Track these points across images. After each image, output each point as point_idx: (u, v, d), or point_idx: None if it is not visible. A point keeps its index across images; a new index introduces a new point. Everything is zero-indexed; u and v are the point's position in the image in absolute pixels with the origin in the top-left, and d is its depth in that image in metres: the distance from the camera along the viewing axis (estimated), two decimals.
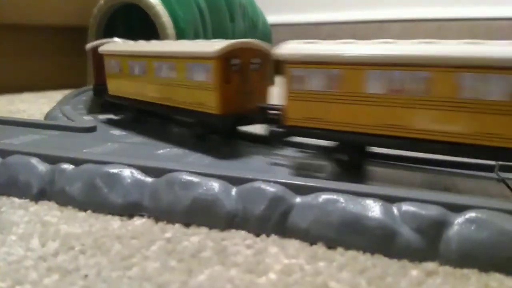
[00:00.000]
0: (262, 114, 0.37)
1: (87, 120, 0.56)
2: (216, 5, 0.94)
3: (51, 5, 1.02)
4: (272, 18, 1.21)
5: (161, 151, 0.40)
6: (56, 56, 1.07)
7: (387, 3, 1.34)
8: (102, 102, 0.60)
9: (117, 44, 0.56)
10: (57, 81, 1.02)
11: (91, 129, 0.49)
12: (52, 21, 1.03)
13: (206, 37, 0.88)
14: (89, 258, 0.25)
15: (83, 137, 0.45)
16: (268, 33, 1.16)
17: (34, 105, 0.81)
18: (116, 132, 0.49)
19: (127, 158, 0.34)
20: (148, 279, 0.23)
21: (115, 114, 0.60)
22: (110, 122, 0.55)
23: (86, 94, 0.78)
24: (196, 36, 0.85)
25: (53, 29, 1.04)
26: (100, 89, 0.59)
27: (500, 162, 0.34)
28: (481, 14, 1.20)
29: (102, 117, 0.59)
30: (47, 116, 0.62)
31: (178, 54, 0.42)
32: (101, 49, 0.54)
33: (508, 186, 0.32)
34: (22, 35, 1.02)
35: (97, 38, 0.79)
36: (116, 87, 0.53)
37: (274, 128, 0.35)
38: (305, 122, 0.33)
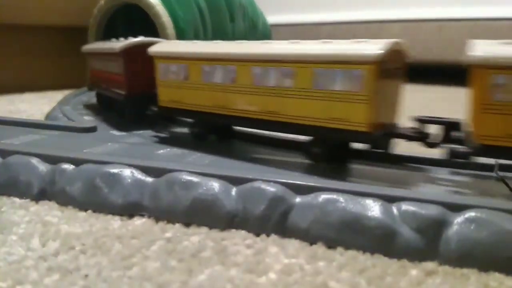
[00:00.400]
0: (416, 130, 0.32)
1: (87, 120, 0.56)
2: (216, 5, 0.94)
3: (51, 5, 1.02)
4: (272, 18, 1.21)
5: (161, 151, 0.40)
6: (56, 56, 1.07)
7: (387, 3, 1.34)
8: (140, 115, 0.48)
9: (180, 44, 0.46)
10: (57, 81, 1.02)
11: (91, 129, 0.49)
12: (52, 21, 1.03)
13: (206, 37, 0.88)
14: (90, 258, 0.25)
15: (84, 137, 0.46)
16: (268, 33, 1.16)
17: (35, 105, 0.81)
18: (116, 132, 0.49)
19: (127, 158, 0.34)
20: (149, 279, 0.23)
21: (157, 130, 0.49)
22: (165, 141, 0.45)
23: (87, 95, 0.78)
24: (196, 36, 0.85)
25: (53, 29, 1.04)
26: (137, 100, 0.48)
27: (500, 161, 0.34)
28: (482, 14, 1.20)
29: (150, 134, 0.47)
30: (48, 116, 0.62)
31: (301, 57, 0.33)
32: (154, 50, 0.44)
33: (507, 185, 0.32)
34: (22, 35, 1.02)
35: (97, 38, 0.79)
36: (175, 97, 0.43)
37: (457, 147, 0.30)
38: (505, 140, 0.27)
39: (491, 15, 1.19)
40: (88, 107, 0.67)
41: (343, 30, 1.37)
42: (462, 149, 0.29)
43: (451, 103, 0.52)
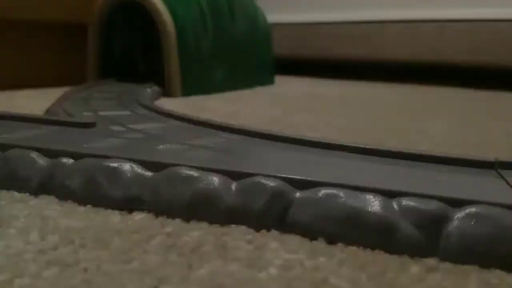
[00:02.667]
0: None
1: (87, 115, 0.56)
2: (217, 3, 0.94)
3: (52, 1, 1.01)
4: (272, 17, 1.21)
5: (161, 146, 0.40)
6: (56, 53, 1.07)
7: (387, 3, 1.34)
8: None
9: None
10: (57, 78, 1.02)
11: (91, 125, 0.48)
12: (53, 18, 1.02)
13: (206, 36, 0.88)
14: (89, 252, 0.25)
15: (83, 132, 0.45)
16: (269, 32, 1.16)
17: (34, 101, 0.81)
18: (116, 127, 0.48)
19: (127, 152, 0.34)
20: (148, 273, 0.23)
21: None
22: None
23: (87, 92, 0.77)
24: (195, 35, 0.85)
25: (54, 26, 1.04)
26: None
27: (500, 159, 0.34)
28: (481, 15, 1.20)
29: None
30: (47, 112, 0.62)
31: None
32: None
33: (507, 182, 0.32)
34: (22, 31, 1.02)
35: (98, 35, 0.79)
36: None
37: None
38: None
39: (491, 17, 1.19)
40: None
41: (343, 30, 1.37)
42: None
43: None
